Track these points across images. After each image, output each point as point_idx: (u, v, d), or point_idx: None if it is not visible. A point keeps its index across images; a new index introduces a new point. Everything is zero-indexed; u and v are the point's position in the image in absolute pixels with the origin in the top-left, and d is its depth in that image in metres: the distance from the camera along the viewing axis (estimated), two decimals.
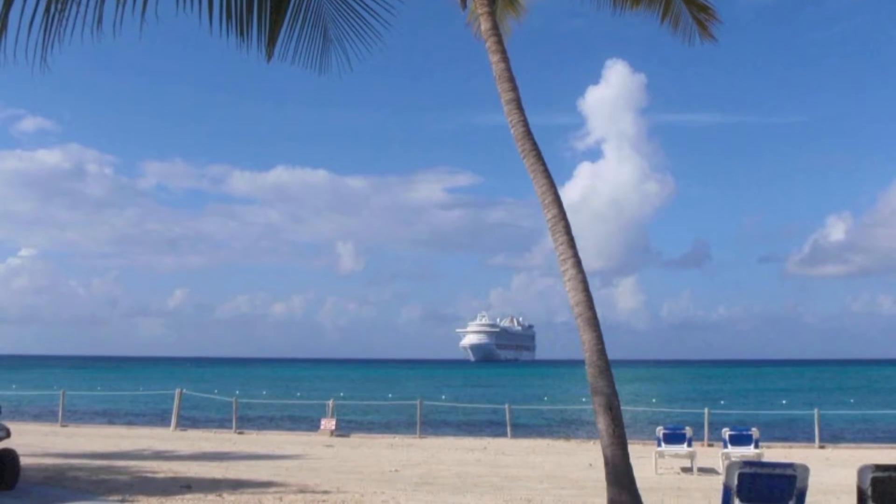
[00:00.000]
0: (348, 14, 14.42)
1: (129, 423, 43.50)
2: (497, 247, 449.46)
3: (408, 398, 50.37)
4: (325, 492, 17.50)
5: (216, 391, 56.30)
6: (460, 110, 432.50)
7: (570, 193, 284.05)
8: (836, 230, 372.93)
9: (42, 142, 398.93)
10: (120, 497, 16.19)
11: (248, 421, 43.33)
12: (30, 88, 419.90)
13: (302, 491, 17.51)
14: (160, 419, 43.86)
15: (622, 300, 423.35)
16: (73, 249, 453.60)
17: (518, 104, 13.17)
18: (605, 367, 11.77)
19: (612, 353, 12.02)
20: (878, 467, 9.94)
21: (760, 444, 24.76)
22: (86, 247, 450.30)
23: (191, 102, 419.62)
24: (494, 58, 13.46)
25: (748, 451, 23.21)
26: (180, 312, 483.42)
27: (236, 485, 18.34)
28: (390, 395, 68.08)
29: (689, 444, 24.02)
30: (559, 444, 32.84)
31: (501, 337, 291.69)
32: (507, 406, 38.11)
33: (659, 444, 23.94)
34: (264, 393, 69.19)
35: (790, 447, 32.09)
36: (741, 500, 10.14)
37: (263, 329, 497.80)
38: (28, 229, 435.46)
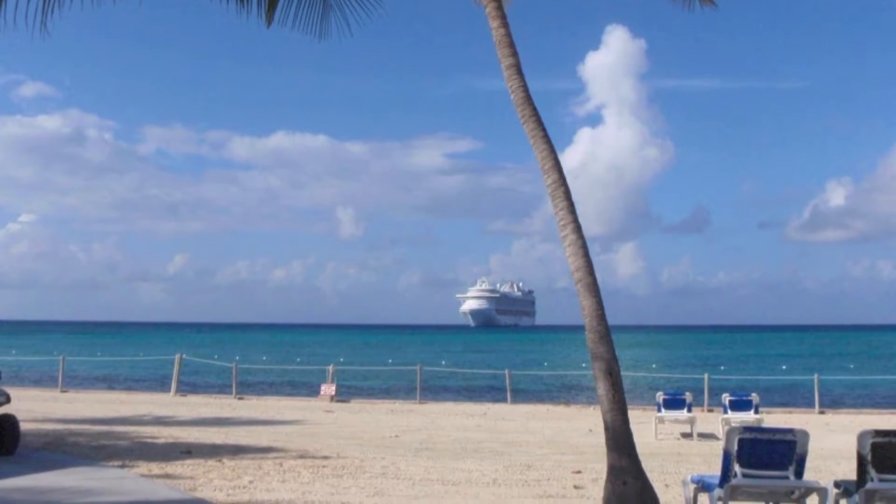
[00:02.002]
0: None
1: (129, 389, 43.52)
2: (497, 212, 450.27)
3: (408, 364, 50.45)
4: (325, 457, 17.52)
5: (216, 357, 56.35)
6: (460, 76, 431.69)
7: (570, 159, 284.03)
8: (836, 195, 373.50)
9: (42, 107, 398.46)
10: (120, 462, 16.22)
11: (248, 386, 43.36)
12: (30, 54, 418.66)
13: (302, 456, 17.52)
14: (160, 385, 43.90)
15: (622, 266, 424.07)
16: (73, 215, 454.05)
17: (518, 70, 13.06)
18: (605, 332, 11.73)
19: (612, 319, 11.99)
20: (878, 433, 9.92)
21: (760, 409, 24.79)
22: (86, 212, 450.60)
23: (191, 68, 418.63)
24: (494, 23, 13.34)
25: (748, 417, 23.23)
26: (180, 278, 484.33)
27: (236, 450, 18.36)
28: (390, 361, 68.18)
29: (689, 410, 24.05)
30: (559, 410, 32.90)
31: (501, 302, 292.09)
32: (507, 371, 38.14)
33: (659, 410, 23.97)
34: (264, 358, 69.28)
35: (790, 412, 32.15)
36: (741, 465, 10.12)
37: (263, 294, 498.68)
38: (28, 195, 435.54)
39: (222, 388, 40.93)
